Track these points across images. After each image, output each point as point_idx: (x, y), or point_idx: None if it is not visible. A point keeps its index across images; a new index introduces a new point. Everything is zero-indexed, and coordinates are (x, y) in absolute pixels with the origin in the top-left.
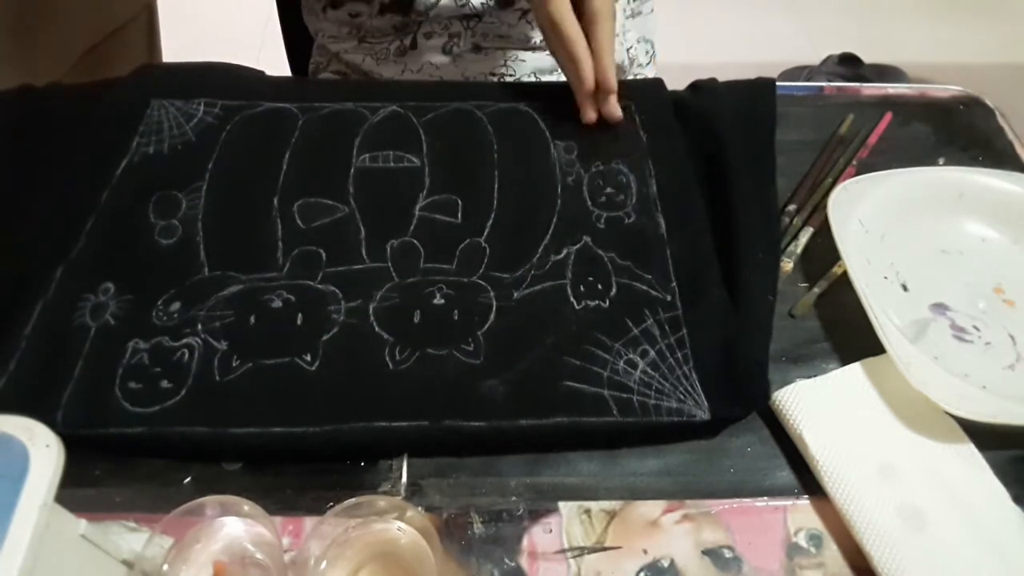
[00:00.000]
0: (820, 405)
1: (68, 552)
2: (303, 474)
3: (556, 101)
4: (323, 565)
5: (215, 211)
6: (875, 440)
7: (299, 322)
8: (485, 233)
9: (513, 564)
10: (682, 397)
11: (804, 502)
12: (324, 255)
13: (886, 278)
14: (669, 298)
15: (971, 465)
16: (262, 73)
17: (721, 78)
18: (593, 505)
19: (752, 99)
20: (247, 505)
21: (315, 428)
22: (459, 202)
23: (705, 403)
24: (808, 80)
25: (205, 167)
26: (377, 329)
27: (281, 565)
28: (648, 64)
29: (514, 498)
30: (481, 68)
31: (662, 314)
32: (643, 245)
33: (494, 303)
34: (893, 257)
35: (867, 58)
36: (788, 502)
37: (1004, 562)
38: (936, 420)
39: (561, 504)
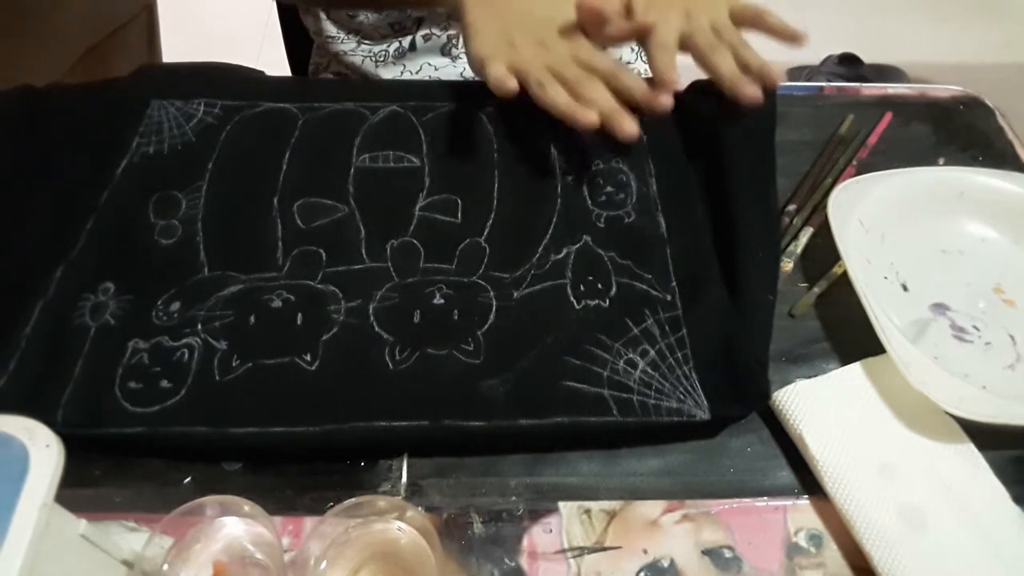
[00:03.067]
0: (820, 405)
1: (68, 552)
2: (303, 474)
3: None
4: (323, 565)
5: (215, 211)
6: (875, 440)
7: (299, 322)
8: (485, 233)
9: (513, 564)
10: (682, 397)
11: (804, 502)
12: (324, 255)
13: (886, 278)
14: (669, 298)
15: (971, 465)
16: (262, 73)
17: None
18: (593, 505)
19: None
20: (247, 505)
21: (315, 428)
22: (459, 202)
23: (705, 403)
24: (808, 80)
25: (205, 167)
26: (377, 329)
27: (281, 565)
28: (636, 60)
29: (514, 498)
30: None
31: (662, 314)
32: (643, 245)
33: (494, 303)
34: (893, 257)
35: (867, 58)
36: (788, 502)
37: (1004, 562)
38: (936, 420)
39: (561, 504)
